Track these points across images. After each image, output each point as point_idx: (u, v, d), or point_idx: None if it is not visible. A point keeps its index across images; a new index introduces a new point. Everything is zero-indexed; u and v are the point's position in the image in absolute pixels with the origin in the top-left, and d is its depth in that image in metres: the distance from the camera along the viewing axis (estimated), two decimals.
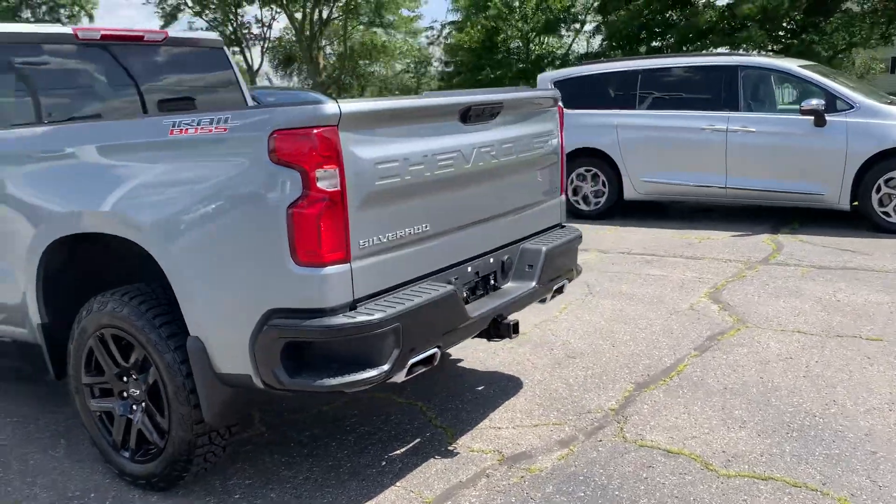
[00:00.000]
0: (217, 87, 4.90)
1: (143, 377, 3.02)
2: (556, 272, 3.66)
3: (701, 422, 3.55)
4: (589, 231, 8.21)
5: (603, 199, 9.02)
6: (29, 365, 4.61)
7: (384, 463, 3.31)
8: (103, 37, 4.13)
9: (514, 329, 3.32)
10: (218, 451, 3.08)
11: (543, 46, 33.03)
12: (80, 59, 4.12)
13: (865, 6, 23.24)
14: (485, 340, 3.44)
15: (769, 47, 23.64)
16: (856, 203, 7.58)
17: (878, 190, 7.40)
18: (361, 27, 38.50)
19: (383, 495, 3.06)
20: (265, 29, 39.71)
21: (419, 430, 3.61)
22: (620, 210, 9.06)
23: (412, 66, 40.71)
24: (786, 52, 22.63)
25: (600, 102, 9.00)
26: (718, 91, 8.19)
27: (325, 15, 37.30)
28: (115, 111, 4.22)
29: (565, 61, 30.52)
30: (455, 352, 4.56)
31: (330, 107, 2.46)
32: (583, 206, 9.15)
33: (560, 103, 3.90)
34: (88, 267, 3.33)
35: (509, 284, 3.46)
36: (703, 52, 21.69)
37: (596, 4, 29.96)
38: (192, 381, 2.81)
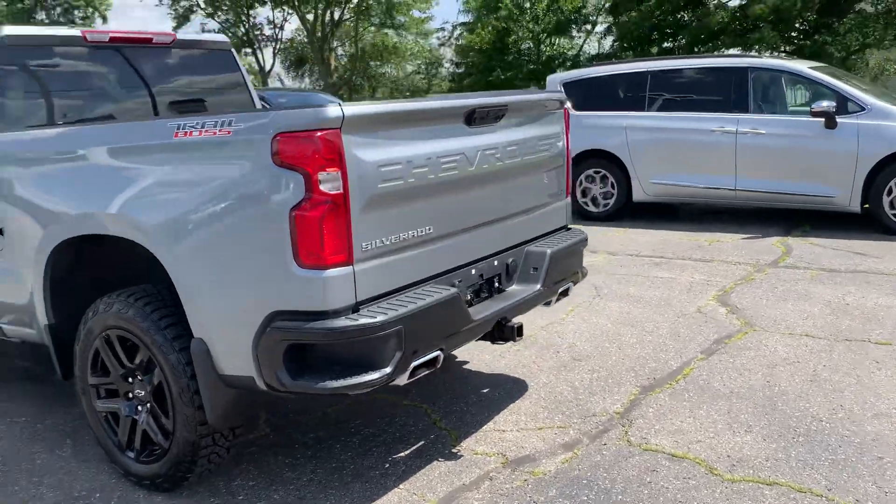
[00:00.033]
0: (225, 89, 4.92)
1: (148, 378, 3.04)
2: (561, 275, 3.65)
3: (706, 426, 3.53)
4: (597, 233, 8.20)
5: (612, 201, 9.00)
6: (38, 365, 4.65)
7: (388, 465, 3.32)
8: (112, 39, 4.16)
9: (518, 332, 3.31)
10: (222, 453, 3.09)
11: (554, 48, 32.95)
12: (88, 61, 4.15)
13: (879, 7, 23.04)
14: (491, 342, 3.44)
15: (782, 48, 23.50)
16: (867, 206, 7.52)
17: (890, 192, 7.35)
18: (373, 28, 38.56)
19: (386, 497, 3.06)
20: (277, 30, 39.85)
21: (423, 432, 3.61)
22: (629, 212, 9.04)
23: (423, 67, 40.73)
24: (798, 53, 22.48)
25: (609, 104, 8.99)
26: (728, 93, 8.15)
27: (336, 16, 37.35)
28: (124, 113, 4.25)
29: (576, 62, 30.44)
30: (461, 354, 4.56)
31: (332, 110, 2.47)
32: (591, 208, 9.13)
33: (566, 106, 3.88)
34: (95, 268, 3.35)
35: (514, 287, 3.46)
36: (715, 53, 21.61)
37: (607, 5, 29.86)
38: (196, 383, 2.82)
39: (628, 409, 3.76)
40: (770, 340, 4.62)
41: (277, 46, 40.35)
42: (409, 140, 2.77)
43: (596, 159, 8.98)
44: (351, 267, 2.57)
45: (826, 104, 7.46)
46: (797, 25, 23.56)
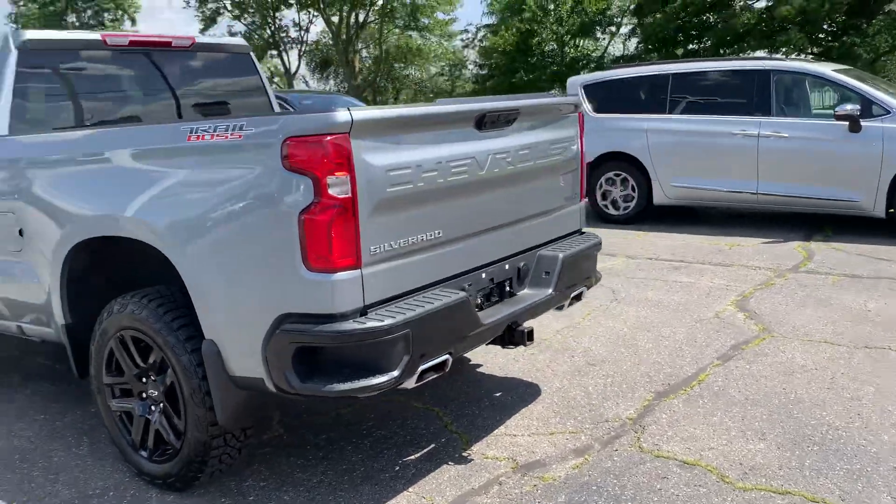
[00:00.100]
0: (244, 92, 4.97)
1: (161, 379, 3.07)
2: (573, 279, 3.64)
3: (720, 433, 3.50)
4: (617, 236, 8.16)
5: (632, 204, 8.94)
6: (59, 364, 4.73)
7: (398, 468, 3.33)
8: (131, 43, 4.21)
9: (529, 336, 3.30)
10: (233, 453, 3.12)
11: (578, 49, 32.82)
12: (109, 64, 4.21)
13: None
14: (501, 346, 3.43)
15: (809, 50, 23.19)
16: (892, 210, 7.39)
17: None
18: (397, 31, 38.67)
19: (395, 500, 3.07)
20: (302, 32, 40.10)
21: (434, 435, 3.62)
22: (650, 215, 8.97)
23: (447, 69, 40.77)
24: (826, 55, 22.18)
25: (630, 106, 8.94)
26: (750, 95, 8.07)
27: (361, 19, 37.53)
28: (144, 117, 4.31)
29: (600, 64, 30.30)
30: (474, 357, 4.56)
31: (342, 115, 2.48)
32: (612, 211, 9.08)
33: (581, 109, 3.87)
34: (111, 269, 3.39)
35: (525, 291, 3.45)
36: (740, 55, 21.38)
37: (632, 7, 29.68)
38: (207, 384, 2.86)
39: (641, 415, 3.73)
40: (788, 347, 4.56)
41: (303, 48, 40.61)
42: (418, 144, 2.78)
43: (616, 162, 8.94)
44: (359, 270, 2.58)
45: (850, 107, 7.36)
46: (825, 27, 23.23)
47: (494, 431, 3.63)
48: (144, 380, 3.16)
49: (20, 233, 3.49)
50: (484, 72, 35.69)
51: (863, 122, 7.33)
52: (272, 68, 43.42)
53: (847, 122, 7.37)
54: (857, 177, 7.43)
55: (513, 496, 3.06)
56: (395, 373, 2.64)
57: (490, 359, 4.54)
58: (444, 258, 2.97)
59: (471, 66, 39.55)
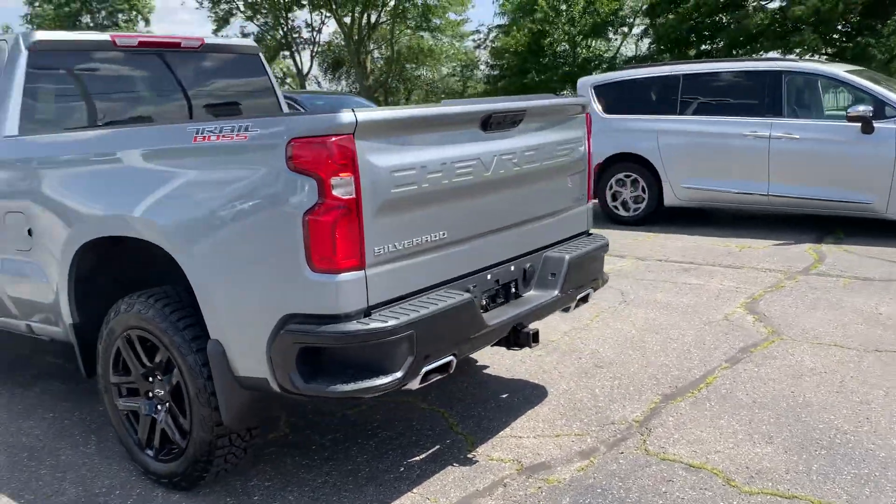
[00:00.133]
0: (252, 93, 4.98)
1: (167, 378, 3.09)
2: (580, 281, 3.62)
3: (726, 436, 3.48)
4: (627, 237, 8.14)
5: (642, 206, 8.91)
6: (69, 363, 4.75)
7: (402, 469, 3.33)
8: (140, 44, 4.24)
9: (534, 338, 3.30)
10: (238, 453, 3.13)
11: (590, 50, 32.73)
12: (118, 65, 4.24)
13: None
14: (506, 348, 3.43)
15: (823, 51, 23.03)
16: None
17: None
18: (409, 31, 38.70)
19: (399, 501, 3.07)
20: (315, 33, 40.22)
21: (440, 436, 3.61)
22: (660, 216, 8.94)
23: (458, 69, 40.76)
24: (840, 55, 22.02)
25: (641, 107, 8.91)
26: (762, 97, 8.02)
27: (373, 19, 37.60)
28: (153, 117, 4.33)
29: (612, 65, 30.20)
30: (481, 358, 4.55)
31: (346, 116, 2.49)
32: (622, 212, 9.06)
33: (588, 110, 3.85)
34: (119, 269, 3.41)
35: (531, 293, 3.44)
36: (753, 56, 21.26)
37: (644, 7, 29.58)
38: (212, 384, 2.86)
39: (648, 418, 3.71)
40: (797, 350, 4.53)
41: (315, 49, 40.72)
42: (423, 145, 2.78)
43: (627, 163, 8.91)
44: (363, 271, 2.58)
45: (862, 108, 7.30)
46: (839, 27, 23.07)
47: (500, 433, 3.63)
48: (151, 379, 3.17)
49: (29, 232, 3.52)
50: (495, 72, 35.66)
51: (876, 124, 7.27)
52: (284, 69, 43.59)
53: (859, 124, 7.32)
54: (870, 178, 7.38)
55: (517, 498, 3.05)
56: (399, 374, 2.64)
57: (497, 360, 4.54)
58: (449, 259, 2.96)
59: (482, 67, 39.54)
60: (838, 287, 5.86)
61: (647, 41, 30.92)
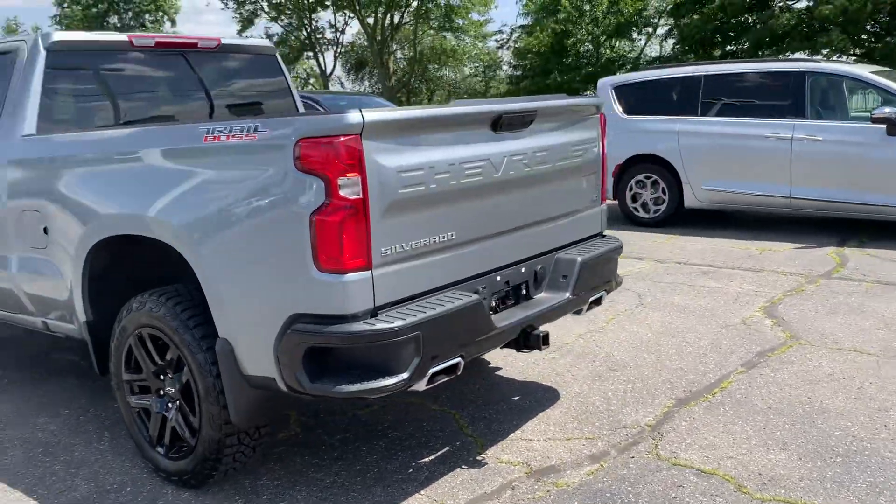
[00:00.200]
0: (269, 93, 5.00)
1: (178, 376, 3.11)
2: (592, 283, 3.59)
3: (739, 441, 3.43)
4: (646, 239, 8.08)
5: (662, 207, 8.83)
6: (85, 360, 4.80)
7: (411, 470, 3.32)
8: (157, 44, 4.27)
9: (545, 340, 3.28)
10: (247, 452, 3.14)
11: (614, 50, 32.55)
12: (135, 66, 4.27)
13: None
14: (516, 350, 3.41)
15: (851, 51, 22.70)
16: None
17: None
18: (432, 32, 38.75)
19: (407, 503, 3.06)
20: (338, 34, 40.43)
21: (450, 438, 3.60)
22: (680, 218, 8.86)
23: (481, 69, 40.75)
24: (868, 56, 21.69)
25: (661, 108, 8.83)
26: (784, 98, 7.92)
27: (396, 20, 37.72)
28: (170, 117, 4.36)
29: (636, 65, 30.01)
30: (493, 360, 4.54)
31: (353, 116, 2.49)
32: (641, 214, 8.99)
33: (602, 111, 3.82)
34: (131, 267, 3.44)
35: (542, 295, 3.42)
36: (780, 56, 20.99)
37: (669, 7, 29.36)
38: (221, 382, 2.87)
39: (661, 422, 3.67)
40: (815, 355, 4.46)
41: (338, 50, 40.93)
42: (431, 146, 2.77)
43: (647, 164, 8.84)
44: (370, 272, 2.58)
45: (888, 110, 7.19)
46: (868, 27, 22.72)
47: (510, 436, 3.60)
48: (162, 377, 3.19)
49: (45, 230, 3.55)
50: (518, 73, 35.59)
51: None
52: (308, 70, 43.86)
53: (885, 126, 7.20)
54: (895, 181, 7.24)
55: (525, 501, 3.03)
56: (405, 375, 2.63)
57: (510, 362, 4.52)
58: (458, 260, 2.95)
59: (505, 68, 39.49)
60: (860, 291, 5.76)
61: (671, 41, 30.70)
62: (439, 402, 3.98)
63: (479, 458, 3.40)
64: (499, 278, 3.18)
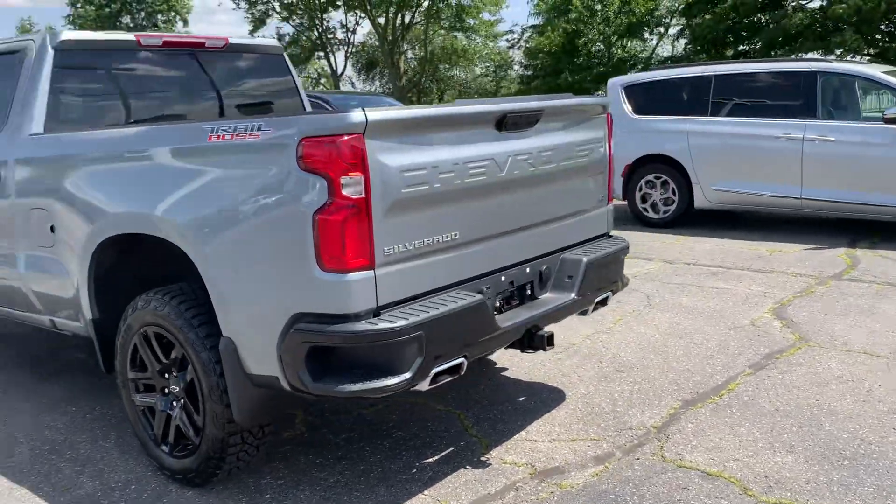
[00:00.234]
0: (276, 93, 5.01)
1: (182, 375, 3.11)
2: (598, 284, 3.57)
3: (746, 444, 3.40)
4: (655, 240, 8.04)
5: (672, 208, 8.79)
6: (92, 357, 4.82)
7: (415, 470, 3.31)
8: (165, 44, 4.28)
9: (549, 341, 3.26)
10: (251, 450, 3.14)
11: (626, 50, 32.45)
12: (143, 65, 4.28)
13: None
14: (521, 351, 3.39)
15: (865, 51, 22.52)
16: None
17: None
18: (442, 32, 38.75)
19: (410, 503, 3.06)
20: (349, 34, 40.50)
21: (454, 438, 3.59)
22: (690, 219, 8.81)
23: (492, 69, 40.72)
24: (883, 56, 21.52)
25: (671, 108, 8.78)
26: (795, 98, 7.86)
27: (406, 20, 37.74)
28: (177, 117, 4.37)
29: (647, 65, 29.89)
30: (500, 361, 4.52)
31: (356, 115, 2.48)
32: (651, 214, 8.94)
33: (609, 110, 3.80)
34: (137, 265, 3.45)
35: (547, 295, 3.40)
36: (792, 56, 20.84)
37: (680, 7, 29.23)
38: (224, 381, 2.88)
39: (666, 424, 3.65)
40: (824, 357, 4.42)
41: (349, 50, 41.00)
42: (435, 145, 2.76)
43: (656, 164, 8.80)
44: (372, 271, 2.57)
45: None
46: (882, 27, 22.54)
47: (515, 436, 3.59)
48: (166, 375, 3.20)
49: (52, 229, 3.57)
50: (529, 73, 35.54)
51: None
52: (319, 69, 43.95)
53: None
54: None
55: (528, 502, 3.02)
56: (408, 374, 2.62)
57: (516, 363, 4.50)
58: (462, 260, 2.94)
59: (516, 67, 39.43)
60: (871, 293, 5.71)
61: (683, 41, 30.57)
62: (445, 402, 3.97)
63: (483, 458, 3.39)
64: (503, 278, 3.17)
